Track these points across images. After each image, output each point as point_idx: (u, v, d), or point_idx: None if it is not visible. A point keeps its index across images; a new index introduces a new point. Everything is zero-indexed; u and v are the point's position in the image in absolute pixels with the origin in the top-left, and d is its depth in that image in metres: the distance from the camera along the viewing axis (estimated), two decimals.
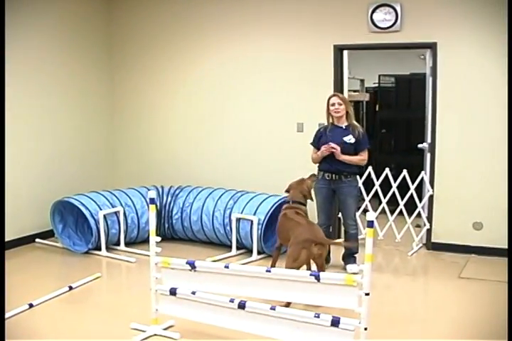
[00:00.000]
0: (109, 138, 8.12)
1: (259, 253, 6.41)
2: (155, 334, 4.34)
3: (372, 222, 3.46)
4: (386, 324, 4.50)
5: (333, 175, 5.76)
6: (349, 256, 5.96)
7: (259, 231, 6.27)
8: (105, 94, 7.99)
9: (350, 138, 5.70)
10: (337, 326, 3.65)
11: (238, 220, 6.44)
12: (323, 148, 5.67)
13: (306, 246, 4.78)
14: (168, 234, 7.14)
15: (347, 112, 5.74)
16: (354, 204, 5.91)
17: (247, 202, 6.50)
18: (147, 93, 7.93)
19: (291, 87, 7.14)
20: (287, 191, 5.66)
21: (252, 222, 6.30)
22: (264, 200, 6.45)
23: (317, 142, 5.85)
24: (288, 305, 4.39)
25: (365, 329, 3.58)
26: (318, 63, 6.98)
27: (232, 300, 3.99)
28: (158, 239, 4.40)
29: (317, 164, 5.89)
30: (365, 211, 7.05)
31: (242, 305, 3.96)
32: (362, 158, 5.78)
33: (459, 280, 5.71)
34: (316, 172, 5.87)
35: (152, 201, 4.37)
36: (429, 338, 4.34)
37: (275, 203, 6.33)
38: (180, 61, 7.69)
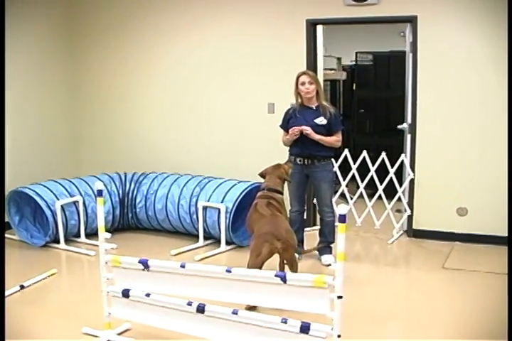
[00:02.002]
0: (70, 122, 7.57)
1: (228, 243, 5.99)
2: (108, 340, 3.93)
3: (345, 216, 3.01)
4: (364, 322, 4.14)
5: (306, 160, 5.34)
6: (324, 246, 5.54)
7: (227, 221, 5.84)
8: (65, 74, 7.43)
9: (321, 120, 5.27)
10: (307, 333, 3.23)
11: (205, 209, 6.00)
12: (291, 131, 5.23)
13: (267, 240, 4.38)
14: (133, 224, 6.72)
15: (317, 92, 5.30)
16: (329, 190, 5.48)
17: (215, 189, 6.06)
18: (111, 74, 7.42)
19: (261, 66, 6.69)
20: (262, 176, 5.22)
21: (219, 210, 5.86)
22: (232, 187, 6.01)
23: (286, 124, 5.42)
24: (252, 308, 3.95)
25: (339, 336, 3.16)
26: (290, 40, 6.53)
27: (190, 303, 3.56)
28: (108, 235, 4.00)
29: (288, 147, 5.48)
30: (343, 195, 6.74)
31: (200, 309, 3.53)
32: (337, 138, 5.36)
33: (443, 271, 5.32)
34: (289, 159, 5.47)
35: (100, 193, 3.94)
36: (412, 338, 3.97)
37: (244, 190, 5.90)
38: (146, 42, 7.19)
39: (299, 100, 5.36)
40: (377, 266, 5.62)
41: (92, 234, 6.44)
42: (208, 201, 5.98)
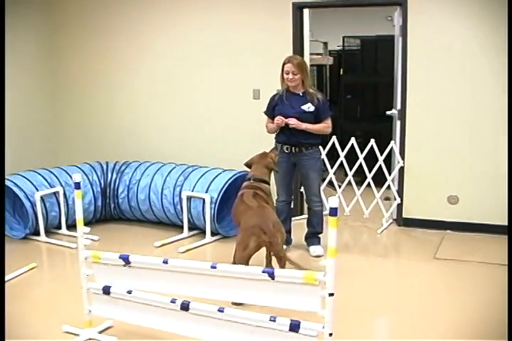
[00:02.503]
0: (51, 110, 7.34)
1: (213, 234, 5.83)
2: (89, 339, 3.76)
3: (336, 209, 2.84)
4: (354, 317, 3.98)
5: (293, 148, 5.18)
6: (313, 236, 5.41)
7: (213, 211, 5.67)
8: (45, 61, 7.18)
9: (309, 107, 5.09)
10: (297, 331, 3.07)
11: (189, 199, 5.82)
12: (276, 119, 5.07)
13: (254, 233, 4.23)
14: (116, 215, 6.54)
15: (303, 80, 5.12)
16: (318, 179, 5.32)
17: (199, 178, 5.87)
18: (92, 62, 7.19)
19: (246, 51, 6.49)
20: (248, 166, 5.01)
21: (204, 200, 5.68)
22: (217, 176, 5.82)
23: (272, 111, 5.23)
24: (238, 304, 3.78)
25: (330, 335, 3.00)
26: (276, 24, 6.33)
27: (173, 301, 3.40)
28: (87, 229, 3.81)
29: (273, 135, 5.31)
30: (330, 183, 6.58)
31: (185, 306, 3.36)
32: (327, 125, 5.20)
33: (435, 262, 5.17)
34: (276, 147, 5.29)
35: (78, 186, 3.75)
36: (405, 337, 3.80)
37: (229, 179, 5.72)
38: (129, 30, 6.97)
39: (285, 86, 5.18)
40: (366, 256, 5.45)
41: (74, 225, 6.14)
42: (192, 191, 5.80)
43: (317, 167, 5.28)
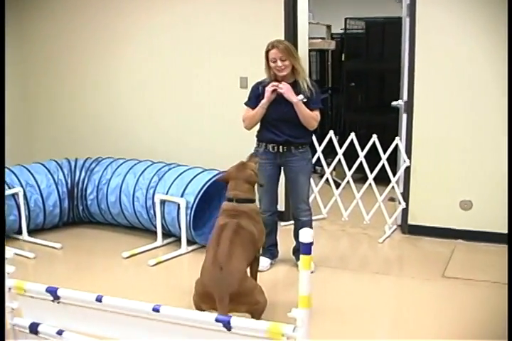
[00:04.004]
0: (16, 100, 6.58)
1: (190, 243, 5.10)
2: None
3: (309, 245, 2.11)
4: None
5: (280, 147, 4.42)
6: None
7: (188, 217, 4.93)
8: (10, 48, 6.36)
9: (301, 97, 4.29)
10: None
11: (163, 202, 5.09)
12: (268, 88, 4.30)
13: (204, 301, 3.40)
14: (85, 218, 5.83)
15: (294, 68, 4.32)
16: (307, 184, 4.57)
17: (174, 180, 5.14)
18: (62, 50, 6.47)
19: (233, 36, 5.75)
20: (224, 181, 3.98)
21: (178, 205, 4.95)
22: (194, 177, 5.08)
23: (254, 101, 4.43)
24: None
25: None
26: (266, 4, 5.58)
27: None
28: (11, 253, 3.07)
29: (252, 129, 4.54)
30: (337, 184, 5.86)
31: None
32: (315, 116, 4.39)
33: (443, 282, 4.42)
34: (258, 146, 4.53)
35: None
36: None
37: (208, 181, 4.97)
38: (108, 18, 6.25)
39: (272, 77, 4.40)
40: (363, 273, 4.66)
41: (37, 229, 5.60)
42: (167, 193, 5.07)
43: (307, 170, 4.53)
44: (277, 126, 4.36)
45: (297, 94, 4.29)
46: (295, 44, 5.55)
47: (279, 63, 4.25)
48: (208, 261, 3.48)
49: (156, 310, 2.54)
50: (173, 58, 6.04)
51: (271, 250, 4.67)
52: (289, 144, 4.39)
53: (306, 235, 2.12)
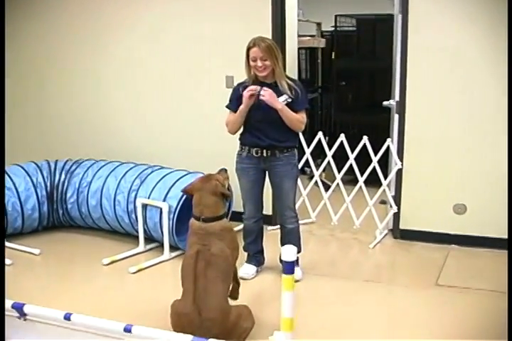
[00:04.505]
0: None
1: (173, 248, 4.90)
2: None
3: (292, 264, 1.91)
4: None
5: (264, 151, 4.18)
6: None
7: (171, 222, 4.72)
8: None
9: (286, 99, 4.05)
10: None
11: (145, 207, 4.89)
12: (246, 93, 4.01)
13: (184, 326, 3.17)
14: (65, 222, 5.62)
15: (273, 69, 4.08)
16: (293, 189, 4.34)
17: (157, 183, 4.94)
18: (45, 47, 6.26)
19: (218, 34, 5.53)
20: (188, 194, 3.65)
21: (161, 209, 4.74)
22: (178, 180, 4.88)
23: (235, 105, 4.21)
24: None
25: None
26: (253, 1, 5.38)
27: None
28: None
29: (236, 134, 4.30)
30: (327, 186, 5.67)
31: None
32: (301, 118, 4.16)
33: (436, 290, 4.24)
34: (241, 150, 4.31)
35: None
36: None
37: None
38: (91, 13, 6.02)
39: (253, 76, 4.16)
40: (352, 280, 4.45)
41: (15, 234, 5.38)
42: (149, 197, 4.87)
43: (293, 174, 4.29)
44: (261, 129, 4.13)
45: (280, 94, 4.05)
46: (283, 42, 5.39)
47: (259, 63, 4.01)
48: (185, 305, 3.23)
49: (127, 330, 2.35)
50: (158, 58, 5.82)
51: (257, 257, 4.49)
52: (273, 148, 4.16)
53: (288, 252, 1.92)
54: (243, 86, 4.14)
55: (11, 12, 6.13)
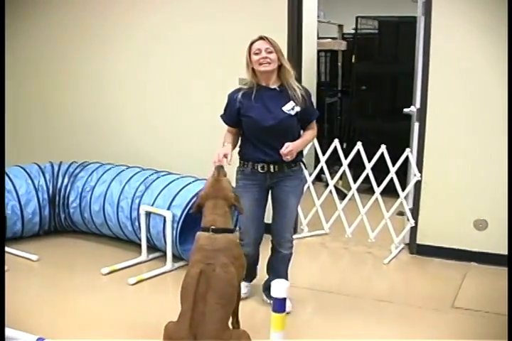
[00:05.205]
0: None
1: (176, 259, 4.66)
2: None
3: (282, 301, 1.66)
4: None
5: (271, 166, 3.72)
6: None
7: (175, 232, 4.49)
8: None
9: (292, 107, 3.65)
10: None
11: (148, 214, 4.66)
12: (216, 158, 3.51)
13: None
14: (67, 227, 5.44)
15: (280, 66, 3.66)
16: (296, 209, 3.99)
17: (162, 190, 4.72)
18: (49, 47, 6.08)
19: (233, 33, 5.28)
20: (201, 205, 3.37)
21: (164, 218, 4.52)
22: (184, 187, 4.65)
23: (230, 118, 3.80)
24: None
25: None
26: (269, 2, 5.15)
27: None
28: None
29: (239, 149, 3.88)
30: (343, 194, 5.40)
31: None
32: (315, 131, 3.84)
33: (452, 313, 3.96)
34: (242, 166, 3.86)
35: None
36: None
37: (198, 193, 4.51)
38: (98, 11, 5.82)
39: (254, 80, 3.72)
40: (363, 298, 4.20)
41: (15, 238, 5.21)
42: (153, 205, 4.64)
43: (299, 191, 3.89)
44: (266, 142, 3.67)
45: (287, 101, 3.65)
46: (299, 44, 5.17)
47: (264, 54, 3.56)
48: (180, 329, 2.99)
49: None
50: (170, 59, 5.62)
51: (247, 279, 4.04)
52: (281, 163, 3.69)
53: (279, 288, 1.67)
54: (241, 92, 3.74)
55: (18, 13, 6.01)
